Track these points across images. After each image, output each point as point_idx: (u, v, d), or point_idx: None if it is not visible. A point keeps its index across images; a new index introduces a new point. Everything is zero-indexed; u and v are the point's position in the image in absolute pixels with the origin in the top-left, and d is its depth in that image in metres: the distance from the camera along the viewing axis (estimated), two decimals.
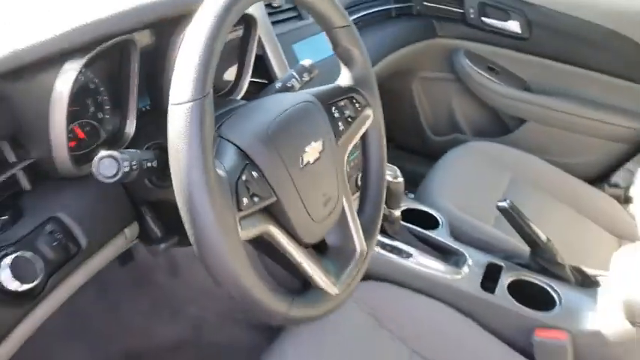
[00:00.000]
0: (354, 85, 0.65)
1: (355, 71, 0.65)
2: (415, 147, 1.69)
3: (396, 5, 1.45)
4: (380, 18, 1.42)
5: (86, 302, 1.11)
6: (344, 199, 0.61)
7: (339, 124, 0.62)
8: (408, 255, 0.90)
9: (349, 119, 0.63)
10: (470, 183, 1.20)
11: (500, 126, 1.54)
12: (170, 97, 0.43)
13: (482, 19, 1.43)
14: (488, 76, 1.47)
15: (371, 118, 0.67)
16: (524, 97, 1.45)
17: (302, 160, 0.53)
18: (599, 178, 1.37)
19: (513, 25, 1.40)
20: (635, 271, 0.74)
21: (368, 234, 0.66)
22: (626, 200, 1.27)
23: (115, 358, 1.09)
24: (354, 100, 0.65)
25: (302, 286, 0.57)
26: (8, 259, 0.45)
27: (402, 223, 0.96)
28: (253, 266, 0.47)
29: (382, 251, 0.90)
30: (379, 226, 0.69)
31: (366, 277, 0.88)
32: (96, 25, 0.49)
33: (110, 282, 1.14)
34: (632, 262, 0.76)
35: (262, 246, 0.60)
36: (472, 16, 1.44)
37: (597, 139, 1.38)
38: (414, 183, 1.24)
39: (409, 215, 1.03)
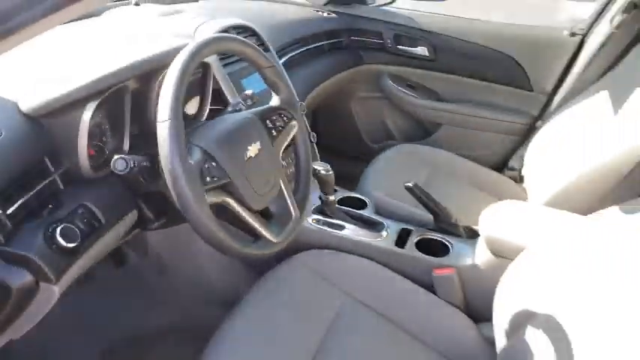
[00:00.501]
0: (281, 105, 0.95)
1: (281, 96, 0.94)
2: (356, 154, 2.00)
3: (329, 41, 1.78)
4: (316, 53, 1.74)
5: (88, 300, 1.34)
6: (280, 181, 0.90)
7: (273, 131, 0.91)
8: (342, 227, 1.20)
9: (280, 128, 0.92)
10: (396, 175, 1.50)
11: (422, 131, 1.87)
12: (157, 118, 0.71)
13: (398, 47, 1.78)
14: (408, 92, 1.81)
15: (296, 127, 0.96)
16: (438, 106, 1.79)
17: (246, 155, 0.82)
18: (500, 165, 1.70)
19: (422, 50, 1.75)
20: (495, 216, 1.05)
21: (301, 205, 0.95)
22: (520, 180, 1.60)
23: (115, 344, 1.31)
24: (283, 115, 0.94)
25: (254, 239, 0.85)
26: (59, 229, 0.72)
27: (338, 206, 1.25)
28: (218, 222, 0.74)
29: (323, 226, 1.19)
30: (309, 200, 0.98)
31: (311, 247, 1.17)
32: (106, 77, 0.77)
33: (108, 283, 1.38)
34: (495, 211, 1.07)
35: (225, 214, 0.87)
36: (390, 45, 1.78)
37: (496, 134, 1.72)
38: (356, 182, 1.54)
39: (345, 201, 1.32)
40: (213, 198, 0.75)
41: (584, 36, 1.58)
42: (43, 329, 1.18)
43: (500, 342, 0.88)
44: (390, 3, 1.87)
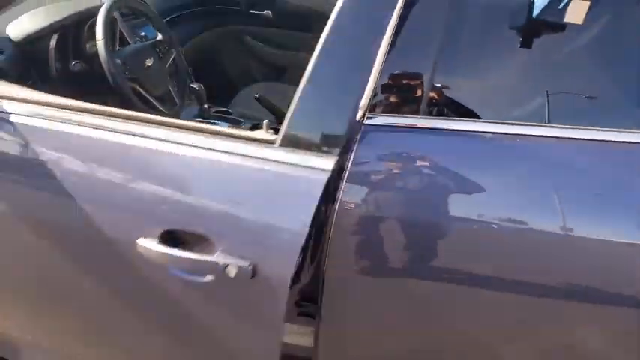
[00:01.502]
0: (163, 40, 1.62)
1: (163, 34, 1.62)
2: (230, 94, 2.69)
3: (200, 8, 2.43)
4: (190, 16, 2.38)
5: None
6: (168, 83, 1.58)
7: (159, 54, 1.58)
8: (215, 124, 1.89)
9: (164, 52, 1.60)
10: (250, 98, 2.22)
11: (276, 73, 2.61)
12: (96, 38, 1.34)
13: (250, 11, 2.48)
14: (263, 45, 2.53)
15: (174, 54, 1.64)
16: (284, 54, 2.53)
17: (145, 64, 1.49)
18: None
19: (267, 13, 2.46)
20: None
21: (181, 98, 1.64)
22: None
23: None
24: (165, 46, 1.61)
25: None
26: None
27: (214, 114, 1.95)
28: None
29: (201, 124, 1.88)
30: (185, 97, 1.66)
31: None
32: (61, 20, 1.38)
33: None
34: None
35: (141, 98, 1.51)
36: (244, 10, 2.48)
37: None
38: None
39: (221, 112, 2.02)
40: (130, 83, 1.42)
41: None
42: None
43: None
44: None
